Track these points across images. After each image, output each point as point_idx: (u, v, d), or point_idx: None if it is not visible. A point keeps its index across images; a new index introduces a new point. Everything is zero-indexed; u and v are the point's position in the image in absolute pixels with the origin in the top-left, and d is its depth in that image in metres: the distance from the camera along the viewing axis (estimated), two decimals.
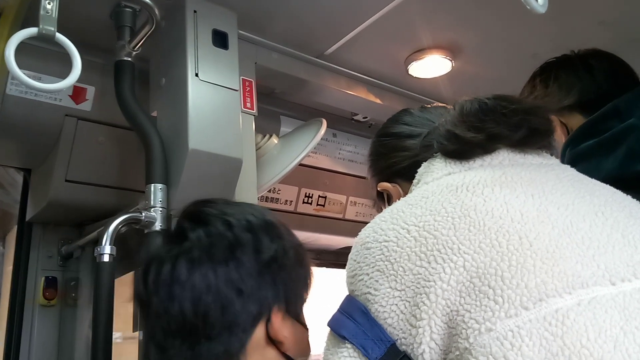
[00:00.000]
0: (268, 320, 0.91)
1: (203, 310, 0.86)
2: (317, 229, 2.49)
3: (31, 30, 1.05)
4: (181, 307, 0.87)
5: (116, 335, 1.63)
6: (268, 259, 0.92)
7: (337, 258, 2.81)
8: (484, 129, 0.88)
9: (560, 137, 1.25)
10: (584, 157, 1.12)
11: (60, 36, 1.08)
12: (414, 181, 0.94)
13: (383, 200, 1.12)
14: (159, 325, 0.89)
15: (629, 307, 0.65)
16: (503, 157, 0.88)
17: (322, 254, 2.81)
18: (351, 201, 2.58)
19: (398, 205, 0.83)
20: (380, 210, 1.17)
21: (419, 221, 0.77)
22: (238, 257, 0.90)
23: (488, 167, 0.86)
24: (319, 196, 2.47)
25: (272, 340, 0.92)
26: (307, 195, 2.43)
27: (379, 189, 1.09)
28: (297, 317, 0.98)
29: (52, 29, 1.07)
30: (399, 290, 0.73)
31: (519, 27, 1.79)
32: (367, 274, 0.77)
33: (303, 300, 1.01)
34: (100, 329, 1.24)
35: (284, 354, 0.93)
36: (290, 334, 0.94)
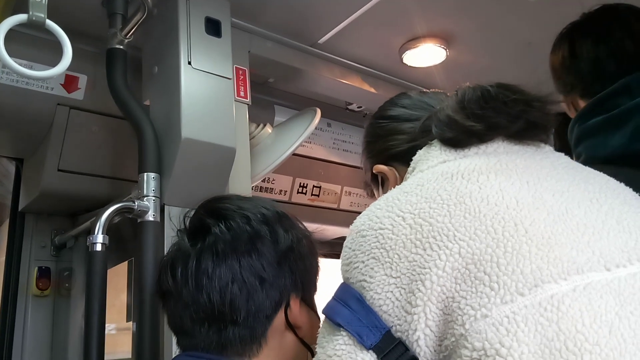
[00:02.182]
0: (287, 307, 0.98)
1: (230, 298, 0.93)
2: (311, 219, 2.49)
3: (21, 17, 1.04)
4: (209, 297, 0.93)
5: (111, 326, 1.62)
6: (285, 249, 0.99)
7: (332, 248, 2.80)
8: (484, 117, 0.87)
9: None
10: (591, 133, 1.12)
11: (50, 23, 1.07)
12: (409, 169, 0.94)
13: (377, 183, 1.11)
14: (187, 314, 0.95)
15: (623, 292, 0.65)
16: (498, 145, 0.88)
17: (321, 251, 2.80)
18: (346, 191, 2.58)
19: (393, 193, 0.83)
20: (371, 193, 1.17)
21: (414, 209, 0.77)
22: (259, 248, 0.96)
23: (483, 155, 0.86)
24: (314, 186, 2.46)
25: (290, 326, 0.98)
26: (302, 185, 2.43)
27: (374, 171, 1.09)
28: (311, 304, 1.04)
29: (43, 15, 1.06)
30: (394, 277, 0.73)
31: (513, 15, 1.78)
32: (363, 262, 0.77)
33: (315, 288, 1.07)
34: (93, 318, 1.24)
35: (300, 340, 0.99)
36: (307, 320, 1.00)
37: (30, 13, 1.04)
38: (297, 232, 1.03)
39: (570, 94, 1.24)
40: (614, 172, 0.88)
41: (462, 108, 0.90)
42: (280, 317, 0.97)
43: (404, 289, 0.72)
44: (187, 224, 1.03)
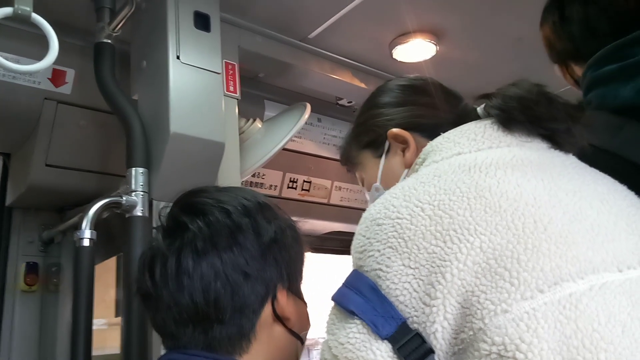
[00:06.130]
0: (274, 299, 0.95)
1: (214, 297, 0.90)
2: (302, 214, 2.48)
3: (6, 10, 1.03)
4: (192, 297, 0.90)
5: (101, 321, 1.62)
6: (268, 241, 0.95)
7: (322, 243, 2.81)
8: (551, 107, 0.89)
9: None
10: (603, 81, 1.08)
11: (36, 16, 1.06)
12: (418, 160, 0.94)
13: (378, 148, 1.11)
14: (169, 316, 0.92)
15: (635, 293, 0.68)
16: (511, 140, 0.88)
17: (307, 239, 2.80)
18: (336, 186, 2.58)
19: (409, 182, 0.82)
20: (346, 156, 1.17)
21: (433, 200, 0.76)
22: (240, 242, 0.93)
23: (497, 149, 0.86)
24: (304, 181, 2.46)
25: (278, 318, 0.96)
26: (292, 180, 2.42)
27: (392, 134, 1.07)
28: (297, 293, 1.02)
29: (28, 9, 1.05)
30: (412, 268, 0.73)
31: (503, 11, 1.78)
32: (378, 251, 0.76)
33: (302, 277, 1.04)
34: (81, 313, 1.23)
35: (289, 330, 0.97)
36: (295, 310, 0.98)
37: (16, 6, 1.03)
38: (280, 222, 1.00)
39: (564, 61, 1.23)
40: (620, 123, 0.87)
41: (539, 99, 0.90)
42: (267, 310, 0.94)
43: (422, 281, 0.72)
44: (164, 221, 0.99)
